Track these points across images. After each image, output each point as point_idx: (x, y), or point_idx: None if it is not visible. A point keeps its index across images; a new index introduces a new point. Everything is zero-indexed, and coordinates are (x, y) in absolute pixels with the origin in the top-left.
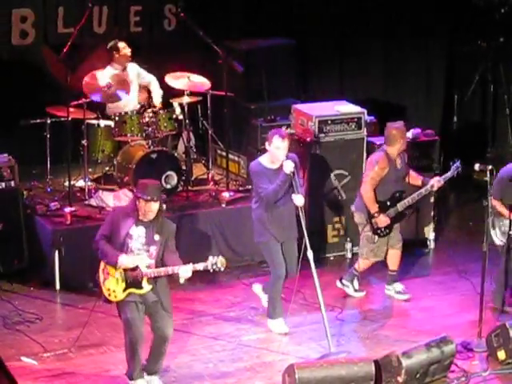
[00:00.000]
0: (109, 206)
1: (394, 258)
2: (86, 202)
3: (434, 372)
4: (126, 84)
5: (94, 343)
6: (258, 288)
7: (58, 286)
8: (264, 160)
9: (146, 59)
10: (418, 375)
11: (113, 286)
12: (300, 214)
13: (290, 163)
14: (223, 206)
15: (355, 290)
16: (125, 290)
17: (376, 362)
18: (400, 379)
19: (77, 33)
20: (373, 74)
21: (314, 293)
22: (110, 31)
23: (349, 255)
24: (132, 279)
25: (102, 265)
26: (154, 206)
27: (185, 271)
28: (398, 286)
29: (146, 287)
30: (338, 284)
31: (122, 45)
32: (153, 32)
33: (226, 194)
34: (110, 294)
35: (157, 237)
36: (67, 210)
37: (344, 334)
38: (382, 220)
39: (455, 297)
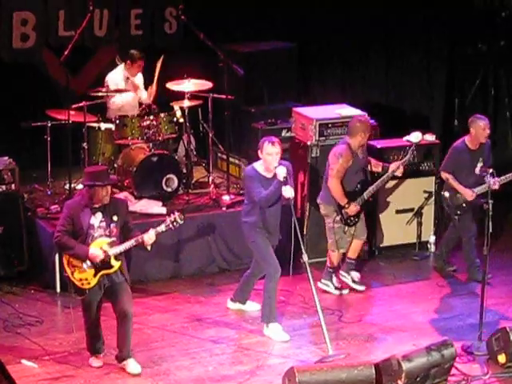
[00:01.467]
0: None
1: (355, 247)
2: None
3: (435, 375)
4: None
5: None
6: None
7: (58, 289)
8: (259, 167)
9: (147, 62)
10: (418, 379)
11: (83, 275)
12: (292, 209)
13: (282, 169)
14: (224, 209)
15: (336, 288)
16: (95, 274)
17: (376, 366)
18: (400, 383)
19: (78, 36)
20: (374, 78)
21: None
22: (110, 34)
23: None
24: (100, 262)
25: (65, 259)
26: (109, 189)
27: (149, 237)
28: (355, 275)
29: (116, 264)
30: (319, 285)
31: (137, 56)
32: (153, 35)
33: (226, 198)
34: (82, 284)
35: (115, 217)
36: None
37: (344, 338)
38: (353, 209)
39: (455, 300)
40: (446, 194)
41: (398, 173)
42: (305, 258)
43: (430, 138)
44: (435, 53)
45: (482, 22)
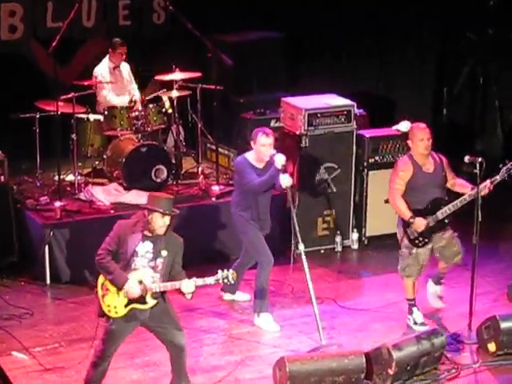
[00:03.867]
0: (99, 200)
1: (448, 267)
2: (76, 197)
3: (425, 364)
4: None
5: (85, 337)
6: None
7: (48, 281)
8: (250, 157)
9: (135, 53)
10: (408, 367)
11: (113, 301)
12: (291, 198)
13: (281, 157)
14: (213, 199)
15: (415, 323)
16: (127, 305)
17: (367, 355)
18: (391, 371)
19: (66, 27)
20: (363, 68)
21: (303, 286)
22: (99, 25)
23: (339, 248)
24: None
25: (101, 279)
26: (168, 221)
27: (187, 287)
28: (439, 290)
29: (151, 302)
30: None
31: (118, 43)
32: (142, 26)
33: (215, 188)
34: (109, 311)
35: (164, 252)
36: (57, 204)
37: (335, 327)
38: (420, 224)
39: (446, 289)
40: None
41: (484, 193)
42: (301, 247)
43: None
44: (424, 42)
45: (471, 11)
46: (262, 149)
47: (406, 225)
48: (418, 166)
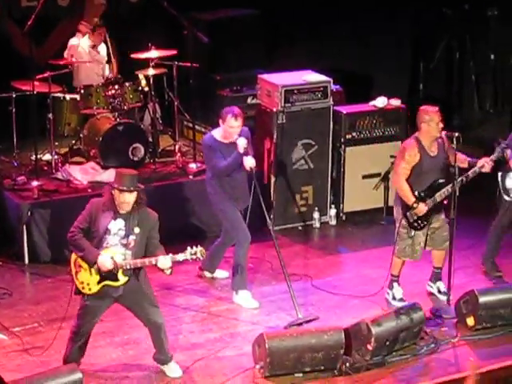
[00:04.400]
0: (76, 179)
1: (438, 256)
2: (53, 176)
3: (404, 339)
4: None
5: (64, 316)
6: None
7: (26, 260)
8: (217, 134)
9: (111, 32)
10: (387, 342)
11: (86, 278)
12: (257, 187)
13: (242, 141)
14: (190, 177)
15: (393, 298)
16: (99, 282)
17: (346, 330)
18: (370, 347)
19: (41, 6)
20: (339, 45)
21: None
22: (74, 4)
23: (317, 225)
24: (107, 271)
25: (74, 257)
26: (129, 197)
27: (163, 263)
28: (442, 286)
29: (122, 279)
30: (385, 294)
31: (98, 25)
32: (118, 4)
33: (193, 166)
34: (83, 287)
35: (137, 229)
36: (34, 183)
37: (313, 304)
38: (422, 209)
39: (424, 264)
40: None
41: (486, 169)
42: (269, 225)
43: (396, 102)
44: (400, 18)
45: None
46: (230, 130)
47: (406, 208)
48: (425, 150)
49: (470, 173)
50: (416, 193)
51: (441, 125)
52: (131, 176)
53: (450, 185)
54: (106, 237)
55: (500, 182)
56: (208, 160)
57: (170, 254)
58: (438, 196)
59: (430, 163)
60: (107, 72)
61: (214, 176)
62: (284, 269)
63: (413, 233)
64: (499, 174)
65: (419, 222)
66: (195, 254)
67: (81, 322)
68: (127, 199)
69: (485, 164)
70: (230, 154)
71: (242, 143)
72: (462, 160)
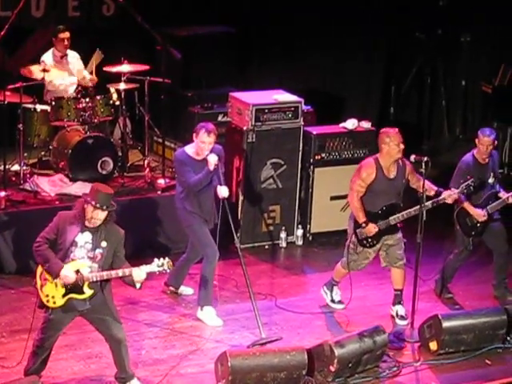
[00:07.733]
0: (44, 190)
1: (395, 276)
2: (21, 187)
3: (367, 361)
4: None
5: (27, 328)
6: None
7: None
8: (189, 150)
9: (84, 45)
10: (350, 364)
11: (51, 291)
12: (225, 206)
13: (213, 158)
14: (159, 192)
15: (332, 301)
16: (64, 295)
17: (309, 351)
18: (332, 368)
19: (14, 16)
20: (311, 65)
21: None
22: (48, 15)
23: (283, 244)
24: (72, 284)
25: (39, 270)
26: (101, 215)
27: (139, 275)
28: (400, 309)
29: (88, 292)
30: (321, 291)
31: (59, 29)
32: (91, 17)
33: (161, 181)
34: (48, 301)
35: (104, 243)
36: (1, 194)
37: (277, 323)
38: (371, 230)
39: (388, 287)
40: None
41: (450, 200)
42: (236, 243)
43: (366, 125)
44: (373, 41)
45: (420, 11)
46: (202, 145)
47: (357, 224)
48: (382, 171)
49: (434, 201)
50: (370, 213)
51: (401, 146)
52: (107, 195)
53: (407, 211)
54: (72, 249)
55: (457, 221)
56: (179, 175)
57: (143, 265)
58: (393, 219)
59: (386, 185)
60: (87, 76)
61: (184, 191)
62: (250, 287)
63: (360, 249)
64: (455, 213)
65: (368, 240)
66: (162, 265)
67: (44, 336)
68: (100, 216)
69: (448, 197)
70: (201, 170)
71: (213, 160)
72: (428, 188)
